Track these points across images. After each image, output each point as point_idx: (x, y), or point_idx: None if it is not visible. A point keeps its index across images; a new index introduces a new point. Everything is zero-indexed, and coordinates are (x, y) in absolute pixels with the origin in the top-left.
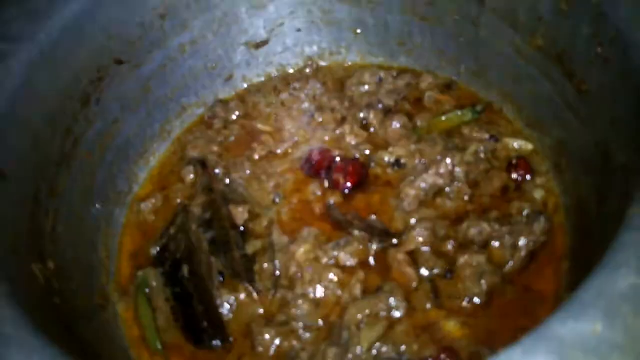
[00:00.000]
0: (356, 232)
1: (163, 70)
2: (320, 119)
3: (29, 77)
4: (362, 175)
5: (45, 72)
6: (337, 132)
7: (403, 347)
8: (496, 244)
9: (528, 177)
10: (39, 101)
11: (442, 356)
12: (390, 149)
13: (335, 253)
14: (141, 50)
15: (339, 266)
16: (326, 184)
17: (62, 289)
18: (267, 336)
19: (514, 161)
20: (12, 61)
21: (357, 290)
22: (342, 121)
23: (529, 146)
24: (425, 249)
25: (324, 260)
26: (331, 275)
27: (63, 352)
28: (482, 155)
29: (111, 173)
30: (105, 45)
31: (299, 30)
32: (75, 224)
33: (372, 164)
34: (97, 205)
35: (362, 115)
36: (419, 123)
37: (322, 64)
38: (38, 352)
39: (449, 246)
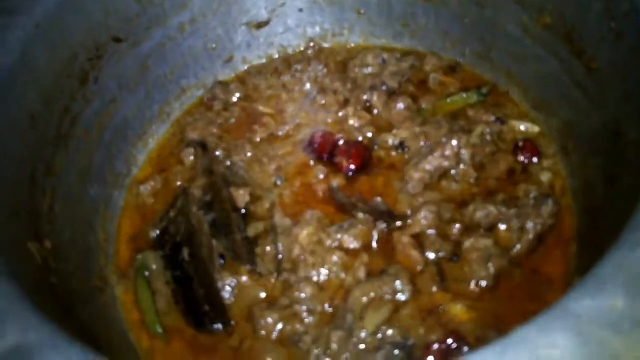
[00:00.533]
0: (360, 215)
1: (162, 49)
2: (323, 101)
3: (26, 52)
4: (365, 158)
5: (42, 47)
6: (340, 114)
7: (408, 331)
8: (503, 227)
9: (535, 159)
10: (36, 78)
11: (449, 340)
12: (394, 132)
13: (339, 236)
14: (140, 28)
15: (342, 249)
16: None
17: (60, 269)
18: (269, 320)
19: (521, 144)
20: (7, 35)
21: (362, 273)
22: (345, 103)
23: (536, 129)
24: (430, 232)
25: (328, 243)
26: (335, 258)
27: (61, 329)
28: (488, 138)
29: (109, 154)
30: (103, 22)
31: (301, 10)
32: (72, 204)
33: (376, 147)
34: (95, 187)
35: (365, 97)
36: (423, 105)
37: (325, 45)
38: (35, 328)
39: (455, 229)
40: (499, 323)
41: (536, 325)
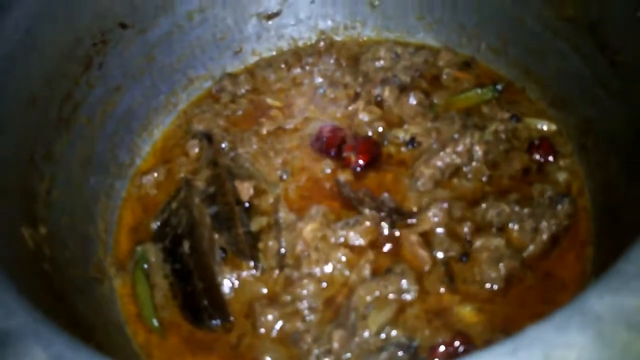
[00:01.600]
0: (367, 211)
1: (169, 37)
2: (332, 95)
3: (30, 30)
4: (374, 154)
5: (46, 28)
6: (350, 108)
7: (414, 332)
8: (515, 226)
9: (550, 158)
10: (38, 59)
11: (456, 342)
12: (405, 127)
13: (344, 232)
14: (147, 15)
15: (347, 246)
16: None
17: (54, 256)
18: (269, 317)
19: (536, 142)
20: (11, 13)
21: (366, 270)
22: (355, 97)
23: (552, 127)
24: (439, 230)
25: (332, 239)
26: (339, 255)
27: (48, 317)
28: (503, 135)
29: (112, 143)
30: (109, 6)
31: (312, 2)
32: (72, 191)
33: (386, 142)
34: (96, 175)
35: (376, 91)
36: (435, 101)
37: (336, 38)
38: (18, 314)
39: (465, 228)
40: (508, 326)
41: (552, 323)
